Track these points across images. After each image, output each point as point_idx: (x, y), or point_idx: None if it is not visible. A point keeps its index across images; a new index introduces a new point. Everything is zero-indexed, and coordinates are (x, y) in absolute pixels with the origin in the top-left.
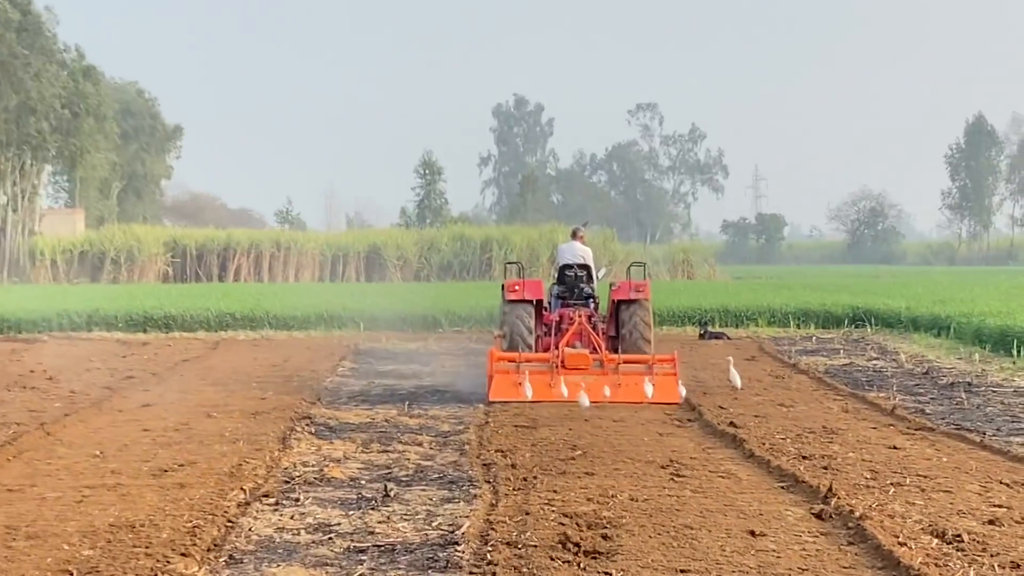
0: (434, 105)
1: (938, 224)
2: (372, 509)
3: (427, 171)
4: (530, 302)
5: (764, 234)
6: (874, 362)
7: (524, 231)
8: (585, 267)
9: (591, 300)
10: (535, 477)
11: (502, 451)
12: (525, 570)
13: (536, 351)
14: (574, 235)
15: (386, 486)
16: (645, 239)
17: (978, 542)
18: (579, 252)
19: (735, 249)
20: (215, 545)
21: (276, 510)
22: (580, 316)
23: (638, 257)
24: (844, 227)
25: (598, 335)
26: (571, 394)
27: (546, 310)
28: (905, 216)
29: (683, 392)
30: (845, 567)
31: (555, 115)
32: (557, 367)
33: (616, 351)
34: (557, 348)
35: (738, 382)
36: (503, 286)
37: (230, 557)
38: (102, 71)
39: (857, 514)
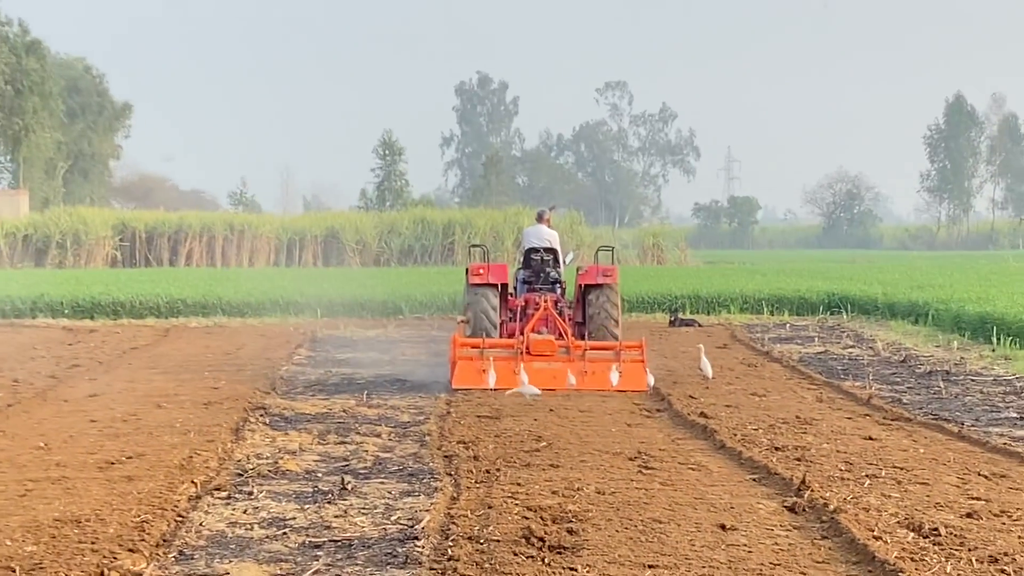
0: (394, 83)
1: (916, 207)
2: (328, 503)
3: (387, 152)
4: (495, 286)
5: (737, 218)
6: (850, 350)
7: (488, 214)
8: (551, 251)
9: (557, 285)
10: (498, 469)
11: (464, 442)
12: (487, 566)
13: (501, 337)
14: (540, 218)
15: (343, 479)
16: (614, 222)
17: (955, 536)
18: (545, 236)
19: (707, 233)
20: (164, 540)
21: (228, 504)
22: (546, 301)
23: (606, 241)
24: (819, 210)
25: (564, 321)
26: (534, 382)
27: (511, 295)
28: (882, 199)
29: (651, 380)
30: (819, 562)
31: (520, 93)
32: (522, 353)
33: (583, 337)
34: (522, 334)
35: (709, 371)
36: (467, 270)
37: (180, 553)
38: (47, 46)
39: (831, 507)
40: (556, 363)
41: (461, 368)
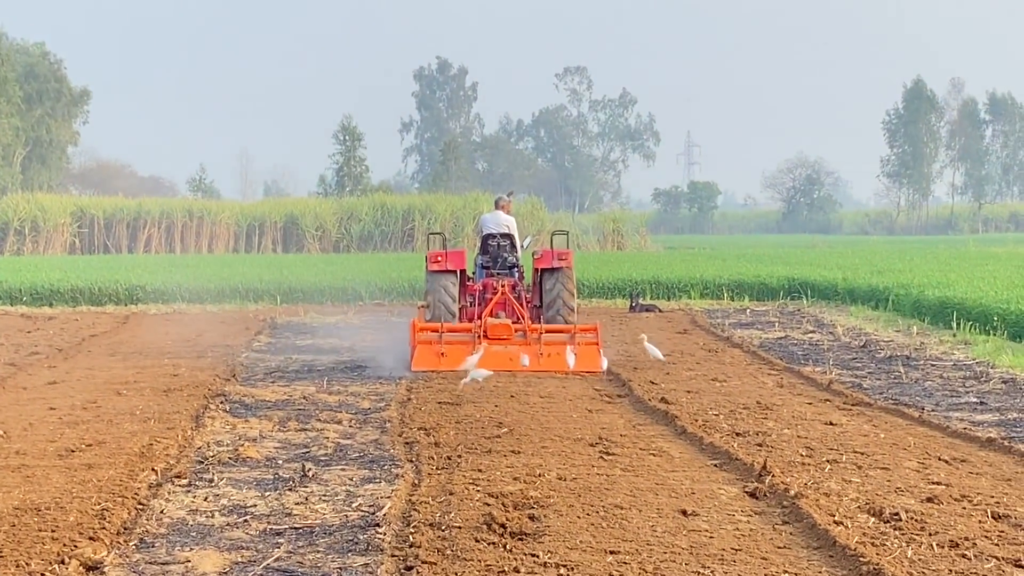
0: (353, 68)
1: (876, 192)
2: (289, 490)
3: (347, 137)
4: (453, 272)
5: (697, 203)
6: (810, 335)
7: (448, 200)
8: (508, 236)
9: (515, 270)
10: (459, 456)
11: (425, 429)
12: (449, 552)
13: (461, 321)
14: (497, 204)
15: (304, 466)
16: (574, 208)
17: (916, 520)
18: (503, 221)
19: (667, 218)
20: (125, 528)
21: (189, 491)
22: (503, 286)
23: (566, 226)
24: (779, 195)
25: (522, 305)
26: (490, 364)
27: (470, 280)
28: (842, 184)
29: (605, 363)
30: (780, 547)
31: (480, 79)
32: (480, 337)
33: (541, 321)
34: (480, 318)
35: (659, 354)
36: (426, 257)
37: (141, 541)
38: (3, 31)
39: (792, 492)
40: (513, 346)
41: (420, 351)
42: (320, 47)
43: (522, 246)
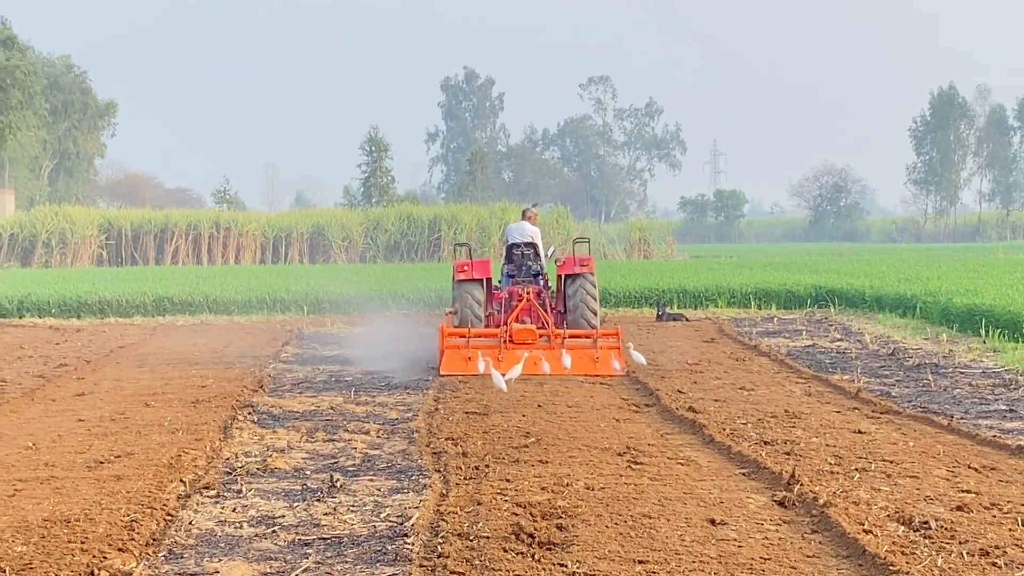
0: (380, 79)
1: (903, 200)
2: (318, 501)
3: (373, 148)
4: (479, 281)
5: (723, 211)
6: (838, 343)
7: (473, 210)
8: (532, 245)
9: (539, 277)
10: (487, 466)
11: (452, 439)
12: (477, 562)
13: (487, 327)
14: (524, 215)
15: (332, 476)
16: (600, 217)
17: (946, 529)
18: (528, 232)
19: (693, 227)
20: (153, 539)
21: (217, 502)
22: (528, 293)
23: (592, 236)
24: (806, 203)
25: (546, 311)
26: (503, 369)
27: (496, 288)
28: (869, 191)
29: (643, 360)
30: (809, 556)
31: (506, 89)
32: (505, 342)
33: (565, 326)
34: (506, 324)
35: (642, 359)
36: (453, 266)
37: (169, 552)
38: (28, 45)
39: (821, 501)
40: (538, 351)
41: (448, 356)
42: (347, 57)
43: (546, 255)
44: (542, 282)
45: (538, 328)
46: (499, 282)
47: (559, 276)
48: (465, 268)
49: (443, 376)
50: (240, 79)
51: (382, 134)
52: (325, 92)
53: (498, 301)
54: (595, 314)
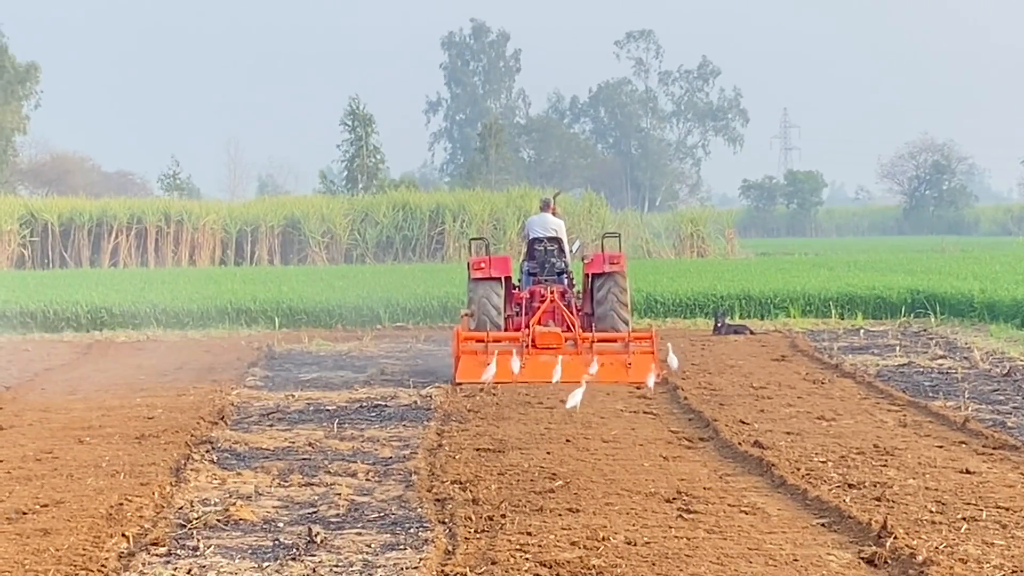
0: (364, 35)
1: (1021, 182)
2: (293, 560)
3: (356, 122)
4: (498, 280)
5: (796, 198)
6: (939, 362)
7: (486, 197)
8: (556, 240)
9: (564, 276)
10: (503, 516)
11: (460, 482)
12: None
13: (507, 331)
14: (545, 207)
15: (311, 529)
16: (643, 205)
17: None
18: (551, 225)
19: (759, 217)
20: None
21: (168, 562)
22: (552, 293)
23: (634, 228)
24: (900, 188)
25: (572, 313)
26: (534, 374)
27: (516, 288)
28: (978, 173)
29: (675, 363)
30: None
31: (524, 46)
32: (527, 347)
33: (592, 330)
34: (528, 327)
35: (675, 363)
36: (468, 264)
37: None
38: None
39: (919, 559)
40: (564, 356)
41: (464, 362)
42: (324, 9)
43: (571, 251)
44: (567, 281)
45: (563, 331)
46: (519, 281)
47: (586, 275)
48: (482, 265)
49: (459, 384)
50: (192, 38)
51: (366, 105)
52: (297, 52)
53: (518, 302)
54: (626, 323)
